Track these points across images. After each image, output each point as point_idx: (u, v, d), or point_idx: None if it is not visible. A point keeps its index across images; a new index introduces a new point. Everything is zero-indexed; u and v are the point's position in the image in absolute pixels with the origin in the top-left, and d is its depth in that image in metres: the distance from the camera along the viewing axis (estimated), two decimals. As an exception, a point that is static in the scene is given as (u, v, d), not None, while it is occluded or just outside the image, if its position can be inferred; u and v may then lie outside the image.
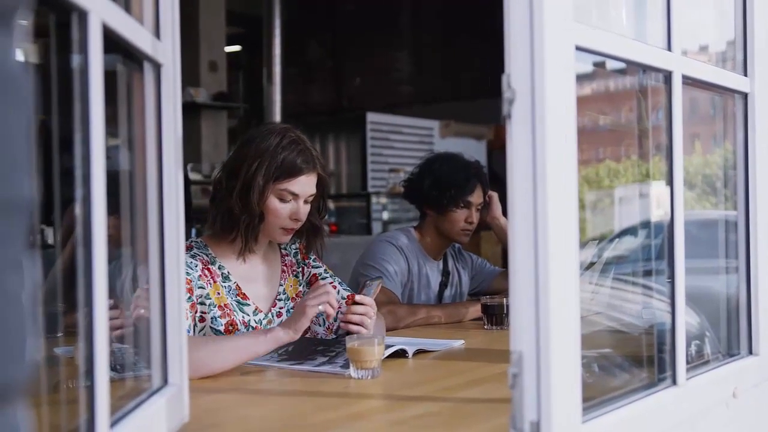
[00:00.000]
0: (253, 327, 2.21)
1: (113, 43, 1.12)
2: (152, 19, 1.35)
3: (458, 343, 2.34)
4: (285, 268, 2.38)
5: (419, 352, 2.18)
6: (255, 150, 2.18)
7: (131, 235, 1.39)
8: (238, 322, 2.18)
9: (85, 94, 1.01)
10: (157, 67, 1.35)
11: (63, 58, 1.04)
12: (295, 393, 1.77)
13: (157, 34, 1.35)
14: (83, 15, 0.99)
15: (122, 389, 1.37)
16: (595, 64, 1.49)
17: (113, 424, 1.09)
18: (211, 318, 2.14)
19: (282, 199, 2.20)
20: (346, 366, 1.90)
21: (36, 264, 0.60)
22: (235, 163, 2.21)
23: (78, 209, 1.01)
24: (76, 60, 1.01)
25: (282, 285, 2.35)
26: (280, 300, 2.33)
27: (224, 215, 2.20)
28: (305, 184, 2.22)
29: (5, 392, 0.55)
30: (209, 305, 2.14)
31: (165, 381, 1.37)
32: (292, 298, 2.35)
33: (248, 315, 2.22)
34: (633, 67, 1.60)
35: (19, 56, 0.58)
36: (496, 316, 2.64)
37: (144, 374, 1.39)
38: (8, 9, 0.55)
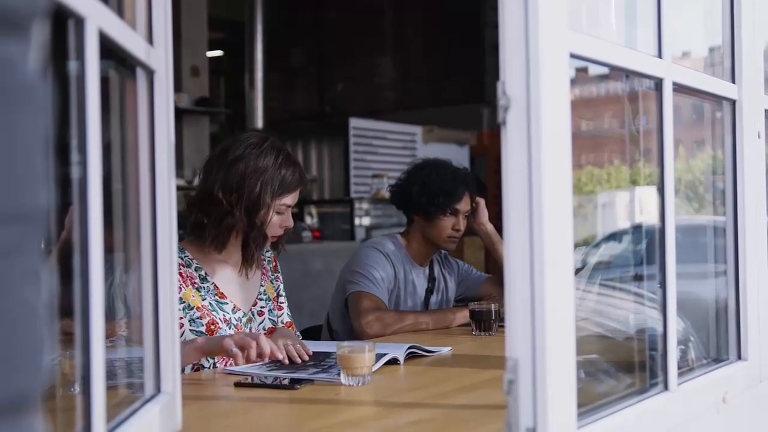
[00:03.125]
0: (234, 324, 2.28)
1: (107, 49, 1.11)
2: (145, 25, 1.34)
3: (446, 350, 2.35)
4: (264, 270, 2.47)
5: (411, 357, 2.18)
6: (254, 168, 2.24)
7: (123, 242, 1.38)
8: (218, 320, 2.25)
9: (81, 100, 1.00)
10: (150, 73, 1.34)
11: (58, 64, 1.04)
12: (286, 401, 1.76)
13: (150, 40, 1.34)
14: (80, 21, 0.98)
15: (114, 397, 1.36)
16: (578, 70, 1.50)
17: (108, 433, 1.09)
18: (190, 320, 2.20)
19: (278, 213, 2.30)
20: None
21: (51, 273, 0.60)
22: (231, 180, 2.24)
23: (74, 216, 1.01)
24: (72, 66, 1.01)
25: (263, 285, 2.44)
26: (261, 299, 2.42)
27: (226, 231, 2.26)
28: (297, 195, 2.35)
29: (24, 402, 0.54)
30: (184, 309, 2.19)
31: (158, 389, 1.36)
32: (273, 299, 2.46)
33: (228, 313, 2.28)
34: (616, 72, 1.61)
35: (36, 65, 0.57)
36: (484, 322, 2.64)
37: (135, 382, 1.39)
38: (25, 18, 0.55)
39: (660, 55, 1.52)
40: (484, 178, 7.38)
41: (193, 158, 7.50)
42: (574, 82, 1.55)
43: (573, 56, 1.24)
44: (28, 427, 0.55)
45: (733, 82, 1.83)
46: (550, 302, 1.15)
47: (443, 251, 3.19)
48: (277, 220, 2.30)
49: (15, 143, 0.54)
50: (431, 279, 3.14)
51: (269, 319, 2.40)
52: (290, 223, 2.34)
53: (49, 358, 0.59)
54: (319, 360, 2.13)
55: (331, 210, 7.73)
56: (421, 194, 3.00)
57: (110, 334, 1.48)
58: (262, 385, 1.87)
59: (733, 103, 1.83)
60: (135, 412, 1.25)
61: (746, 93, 1.83)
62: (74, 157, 1.01)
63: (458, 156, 7.31)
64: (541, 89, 1.15)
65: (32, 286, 0.56)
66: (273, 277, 2.49)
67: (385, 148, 8.22)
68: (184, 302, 2.20)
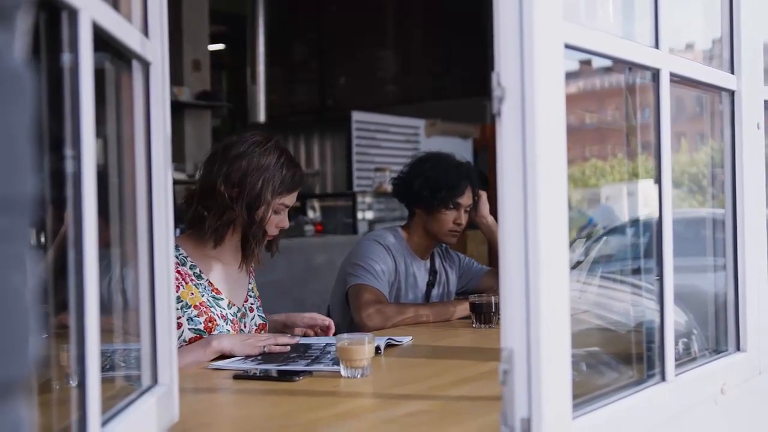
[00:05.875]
0: (230, 320, 2.32)
1: (102, 41, 1.11)
2: (140, 17, 1.34)
3: (408, 339, 2.39)
4: (251, 269, 2.50)
5: (389, 346, 2.24)
6: (256, 165, 2.27)
7: (119, 236, 1.38)
8: (216, 317, 2.28)
9: (75, 93, 1.00)
10: (145, 65, 1.34)
11: (52, 56, 1.04)
12: (284, 392, 1.76)
13: (145, 32, 1.34)
14: (73, 13, 0.99)
15: (111, 389, 1.36)
16: (581, 62, 1.50)
17: (104, 423, 1.09)
18: (188, 319, 2.23)
19: (276, 212, 2.33)
20: (336, 363, 1.90)
21: (37, 261, 0.60)
22: (234, 175, 2.27)
23: (68, 210, 1.01)
24: (65, 58, 1.01)
25: (251, 284, 2.48)
26: (251, 296, 2.46)
27: (225, 225, 2.29)
28: (295, 197, 2.38)
29: (8, 388, 0.55)
30: (182, 307, 2.22)
31: (155, 380, 1.37)
32: (258, 297, 2.50)
33: (224, 309, 2.32)
34: (619, 65, 1.61)
35: (20, 54, 0.57)
36: (484, 315, 2.64)
37: (133, 374, 1.39)
38: (10, 7, 0.55)
39: (657, 46, 1.52)
40: (488, 171, 7.37)
41: (194, 152, 7.50)
42: (577, 74, 1.55)
43: (568, 47, 1.24)
44: (12, 412, 0.55)
45: (732, 72, 1.82)
46: (544, 292, 1.16)
47: (444, 244, 3.19)
48: (274, 220, 2.33)
49: (0, 132, 0.54)
50: (432, 272, 3.14)
51: (258, 315, 2.45)
52: (286, 224, 2.38)
53: (35, 345, 0.59)
54: (302, 352, 2.14)
55: (334, 204, 7.73)
56: (424, 187, 3.00)
57: (110, 328, 1.49)
58: (261, 377, 1.88)
59: (732, 93, 1.82)
60: (132, 403, 1.25)
61: (745, 84, 1.83)
62: (68, 150, 1.01)
63: (461, 149, 7.31)
64: (535, 80, 1.15)
65: (18, 273, 0.56)
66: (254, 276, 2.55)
67: (388, 142, 8.22)
68: (182, 301, 2.22)
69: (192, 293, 2.26)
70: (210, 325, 2.24)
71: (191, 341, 2.20)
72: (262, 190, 2.27)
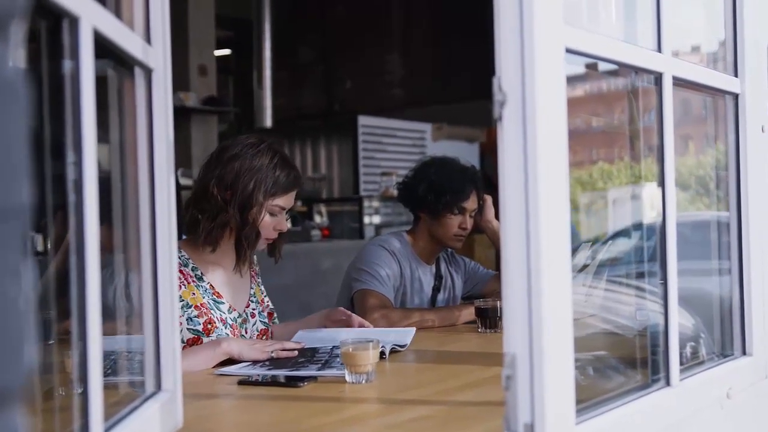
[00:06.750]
0: (230, 324, 2.32)
1: (103, 48, 1.11)
2: (143, 24, 1.35)
3: (410, 332, 2.39)
4: (253, 274, 2.50)
5: (393, 352, 2.23)
6: (248, 167, 2.27)
7: (123, 243, 1.39)
8: (215, 319, 2.28)
9: (76, 100, 1.00)
10: (148, 72, 1.34)
11: (53, 64, 1.04)
12: (289, 398, 1.76)
13: (147, 39, 1.35)
14: (74, 21, 0.99)
15: (115, 395, 1.36)
16: (587, 66, 1.50)
17: (107, 430, 1.09)
18: (188, 319, 2.23)
19: (272, 214, 2.32)
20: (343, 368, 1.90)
21: (32, 270, 0.60)
22: (227, 177, 2.27)
23: (70, 216, 1.01)
24: (66, 65, 1.01)
25: (252, 288, 2.47)
26: (252, 301, 2.45)
27: (219, 228, 2.28)
28: (292, 198, 2.37)
29: (4, 397, 0.55)
30: (182, 307, 2.22)
31: (158, 387, 1.37)
32: (260, 301, 2.49)
33: (224, 313, 2.32)
34: (624, 68, 1.60)
35: (16, 63, 0.58)
36: (490, 319, 2.64)
37: (136, 380, 1.39)
38: (5, 16, 0.55)
39: (659, 50, 1.51)
40: (494, 175, 7.36)
41: (201, 158, 7.47)
42: (584, 77, 1.55)
43: (569, 51, 1.24)
44: (8, 421, 0.55)
45: (736, 75, 1.82)
46: (547, 297, 1.15)
47: (450, 249, 3.19)
48: (271, 222, 2.32)
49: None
50: (438, 277, 3.14)
51: (260, 321, 2.45)
52: (284, 226, 2.36)
53: (32, 354, 0.59)
54: (310, 356, 2.14)
55: (340, 208, 7.73)
56: (428, 192, 3.00)
57: (115, 335, 1.49)
58: (266, 383, 1.88)
59: (735, 97, 1.82)
60: (135, 410, 1.26)
61: (749, 86, 1.82)
62: (70, 157, 1.02)
63: (468, 153, 7.29)
64: (536, 85, 1.15)
65: (13, 282, 0.56)
66: (259, 281, 2.54)
67: (395, 146, 8.22)
68: (183, 300, 2.23)
69: (193, 293, 2.26)
70: (209, 327, 2.24)
71: (189, 342, 2.20)
72: (254, 191, 2.26)
